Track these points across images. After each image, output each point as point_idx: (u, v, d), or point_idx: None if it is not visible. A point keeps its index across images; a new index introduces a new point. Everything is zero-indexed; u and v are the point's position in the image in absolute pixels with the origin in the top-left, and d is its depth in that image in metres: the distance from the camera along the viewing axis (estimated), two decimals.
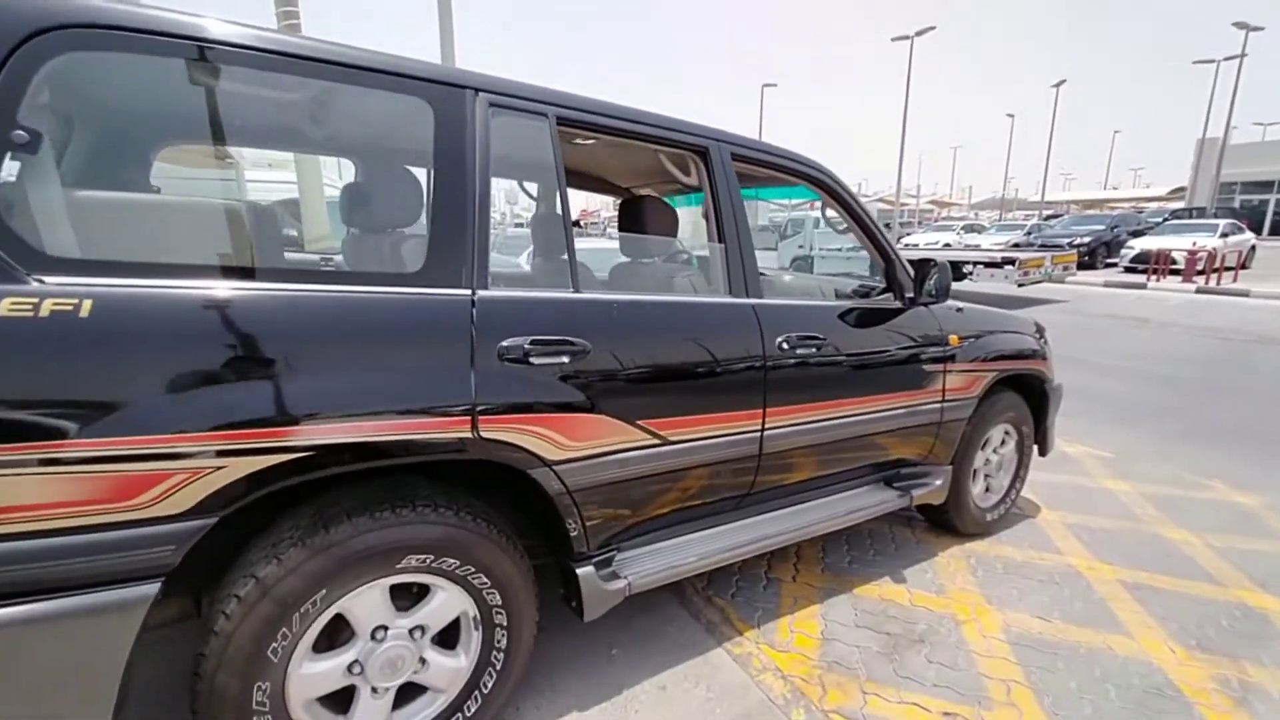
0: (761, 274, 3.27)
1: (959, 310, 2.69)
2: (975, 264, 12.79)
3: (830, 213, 2.48)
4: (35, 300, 1.00)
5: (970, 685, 1.93)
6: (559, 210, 1.66)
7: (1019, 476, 3.11)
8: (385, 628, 1.43)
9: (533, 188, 3.07)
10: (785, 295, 2.85)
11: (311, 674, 1.34)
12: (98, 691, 1.08)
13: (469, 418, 1.39)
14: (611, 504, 1.71)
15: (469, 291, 1.44)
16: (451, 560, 1.44)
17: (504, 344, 1.45)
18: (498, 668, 1.59)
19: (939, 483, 2.66)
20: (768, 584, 2.48)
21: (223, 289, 1.17)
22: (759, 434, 1.97)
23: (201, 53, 1.21)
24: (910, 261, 2.48)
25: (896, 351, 2.36)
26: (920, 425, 2.50)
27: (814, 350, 2.07)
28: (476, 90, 1.52)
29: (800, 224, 17.75)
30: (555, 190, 1.65)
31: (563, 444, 1.55)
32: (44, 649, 1.03)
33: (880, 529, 3.00)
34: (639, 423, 1.69)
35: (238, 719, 1.25)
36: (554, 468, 1.54)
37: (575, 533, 1.65)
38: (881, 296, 2.49)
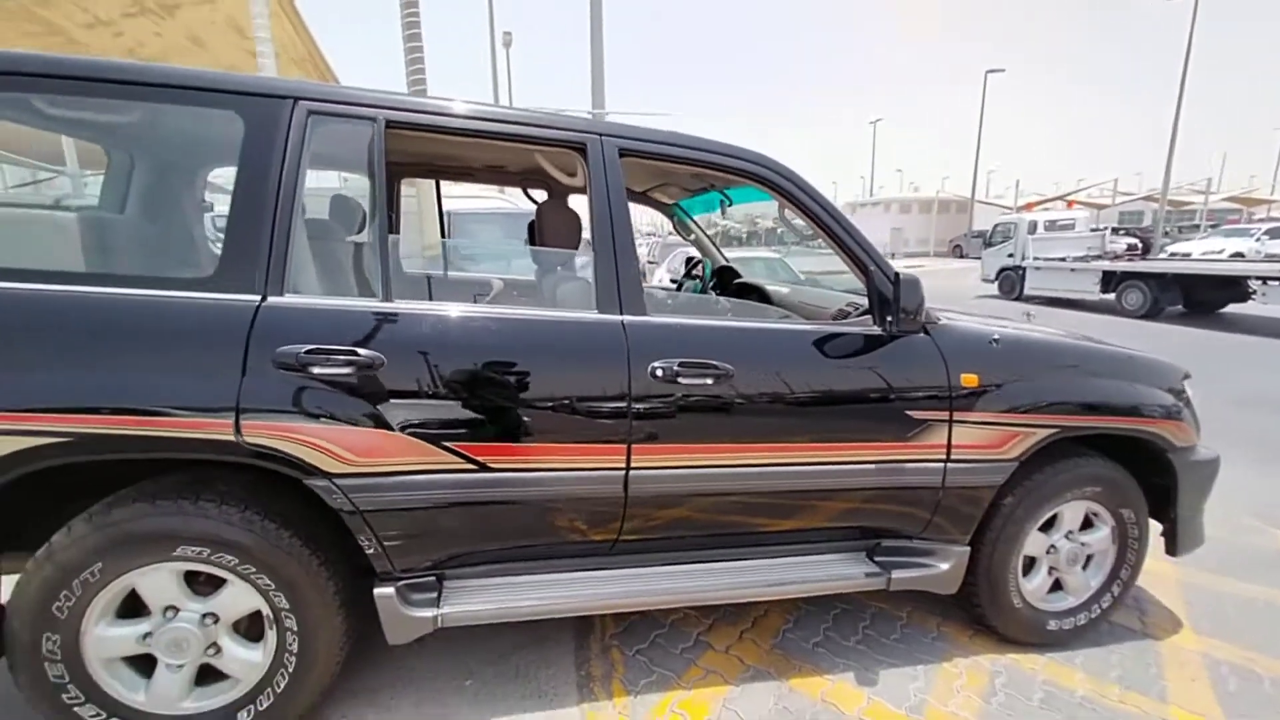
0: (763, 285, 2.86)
1: (994, 342, 2.02)
2: (1265, 279, 9.68)
3: (798, 221, 2.03)
4: None
5: None
6: (378, 213, 1.62)
7: (1118, 578, 2.24)
8: (176, 609, 1.53)
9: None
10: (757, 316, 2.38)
11: (105, 636, 1.49)
12: None
13: (231, 422, 1.42)
14: (420, 527, 1.61)
15: (257, 298, 1.48)
16: (229, 557, 1.49)
17: (281, 350, 1.46)
18: (290, 669, 1.60)
19: (944, 567, 2.03)
20: (692, 647, 2.13)
21: None
22: (622, 473, 1.70)
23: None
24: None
25: (857, 390, 1.86)
26: (903, 489, 1.94)
27: (709, 381, 1.72)
28: (295, 99, 1.55)
29: (1010, 229, 15.08)
30: (378, 194, 1.61)
31: (346, 458, 1.50)
32: None
33: (893, 609, 2.40)
34: (449, 445, 1.57)
35: (33, 663, 1.44)
36: (335, 481, 1.51)
37: (372, 551, 1.60)
38: (860, 319, 1.98)
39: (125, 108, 1.54)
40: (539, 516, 1.70)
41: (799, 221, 2.02)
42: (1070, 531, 2.19)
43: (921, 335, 1.94)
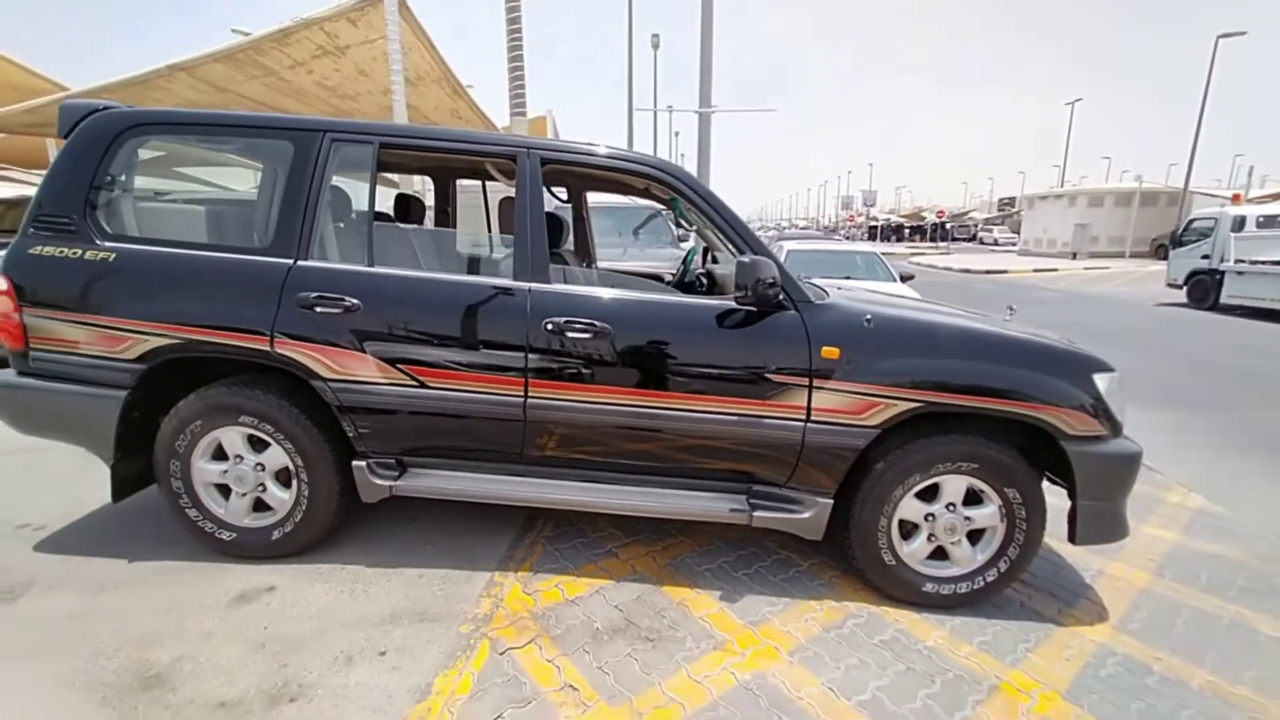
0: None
1: (867, 321, 2.27)
2: None
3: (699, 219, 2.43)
4: (98, 254, 2.28)
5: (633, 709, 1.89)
6: (368, 207, 2.37)
7: (1005, 555, 2.35)
8: (241, 457, 2.42)
9: (560, 193, 3.71)
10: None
11: (203, 468, 2.42)
12: (102, 436, 2.34)
13: (268, 338, 2.25)
14: (381, 422, 2.34)
15: (291, 261, 2.30)
16: (268, 425, 2.34)
17: (300, 295, 2.26)
18: (303, 508, 2.42)
19: (806, 514, 2.34)
20: (602, 554, 2.65)
21: (165, 251, 2.30)
22: (521, 400, 2.28)
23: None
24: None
25: (717, 351, 2.25)
26: (764, 441, 2.28)
27: (589, 336, 2.23)
28: (324, 131, 2.34)
29: (1208, 228, 12.74)
30: (369, 193, 2.36)
31: (333, 369, 2.27)
32: (82, 408, 2.32)
33: (799, 557, 2.71)
34: (401, 366, 2.28)
35: (167, 479, 2.40)
36: (328, 384, 2.29)
37: (351, 434, 2.36)
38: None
39: (230, 140, 2.46)
40: (462, 426, 2.35)
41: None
42: (952, 503, 2.35)
43: (790, 312, 2.27)
